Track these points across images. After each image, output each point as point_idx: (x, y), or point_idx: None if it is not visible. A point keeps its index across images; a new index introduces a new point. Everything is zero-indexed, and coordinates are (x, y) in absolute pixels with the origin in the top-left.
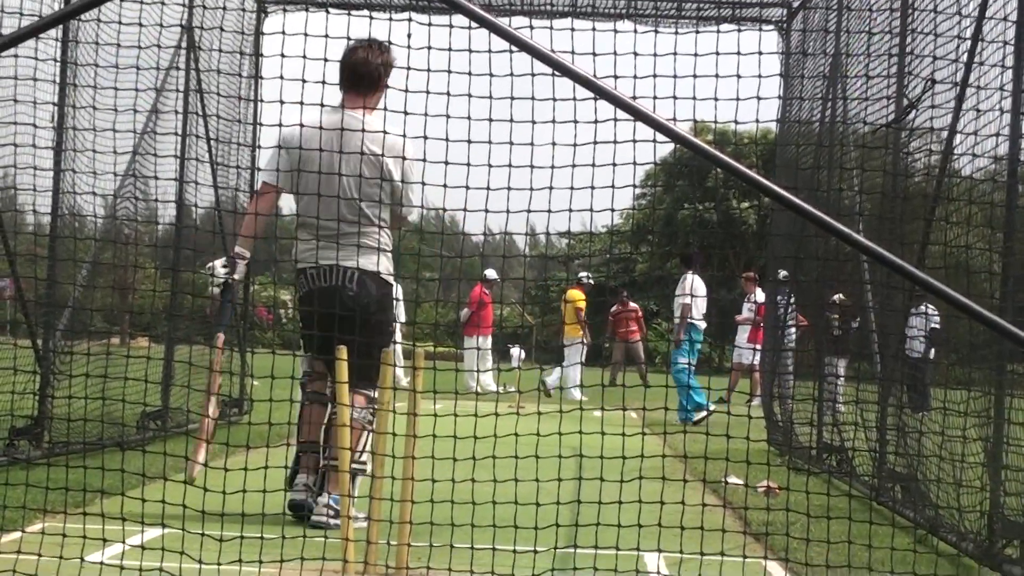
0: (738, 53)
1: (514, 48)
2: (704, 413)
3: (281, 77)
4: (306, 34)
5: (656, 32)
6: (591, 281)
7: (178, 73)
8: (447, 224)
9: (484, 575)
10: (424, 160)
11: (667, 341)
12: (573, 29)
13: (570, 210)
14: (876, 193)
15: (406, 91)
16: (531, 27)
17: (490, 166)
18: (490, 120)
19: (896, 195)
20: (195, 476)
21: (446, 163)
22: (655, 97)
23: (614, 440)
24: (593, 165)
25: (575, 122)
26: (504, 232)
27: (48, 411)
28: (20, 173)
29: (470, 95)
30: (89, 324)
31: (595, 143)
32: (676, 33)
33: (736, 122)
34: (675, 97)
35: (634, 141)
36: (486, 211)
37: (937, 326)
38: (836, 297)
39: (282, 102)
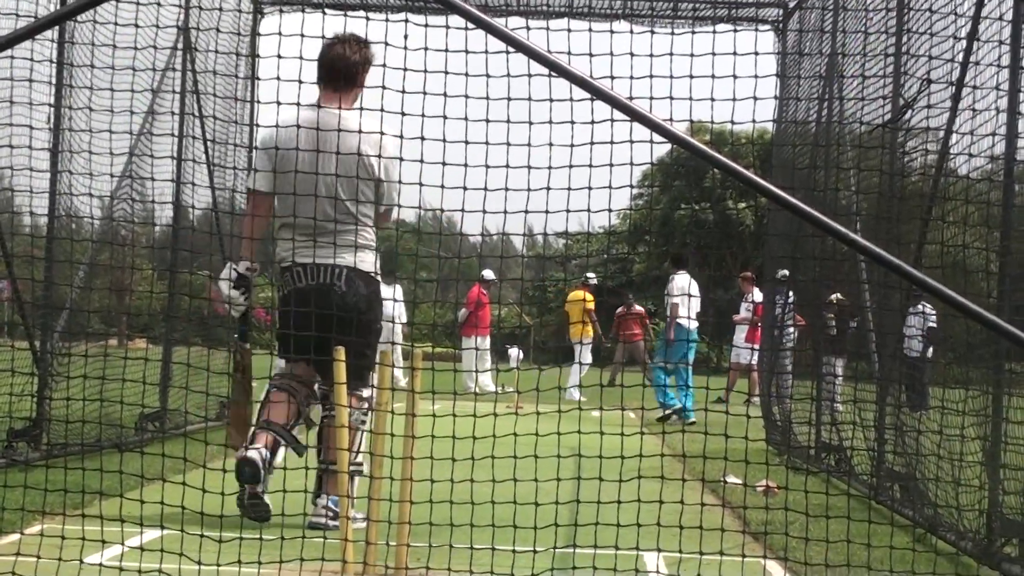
0: (734, 53)
1: (511, 49)
2: (667, 412)
3: (278, 78)
4: (302, 35)
5: (652, 32)
6: (595, 281)
7: (174, 74)
8: (444, 225)
9: (483, 575)
10: (421, 161)
11: (660, 340)
12: (569, 30)
13: (567, 210)
14: (873, 193)
15: (403, 92)
16: (527, 28)
17: (487, 167)
18: (487, 121)
19: (893, 195)
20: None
21: (443, 164)
22: (652, 98)
23: (613, 440)
24: (590, 166)
25: (572, 123)
26: (502, 233)
27: (46, 413)
28: (16, 175)
29: (467, 96)
30: (87, 326)
31: (592, 144)
32: (672, 33)
33: (732, 122)
34: (671, 97)
35: (631, 142)
36: (483, 212)
37: (934, 325)
38: (834, 296)
39: (279, 103)
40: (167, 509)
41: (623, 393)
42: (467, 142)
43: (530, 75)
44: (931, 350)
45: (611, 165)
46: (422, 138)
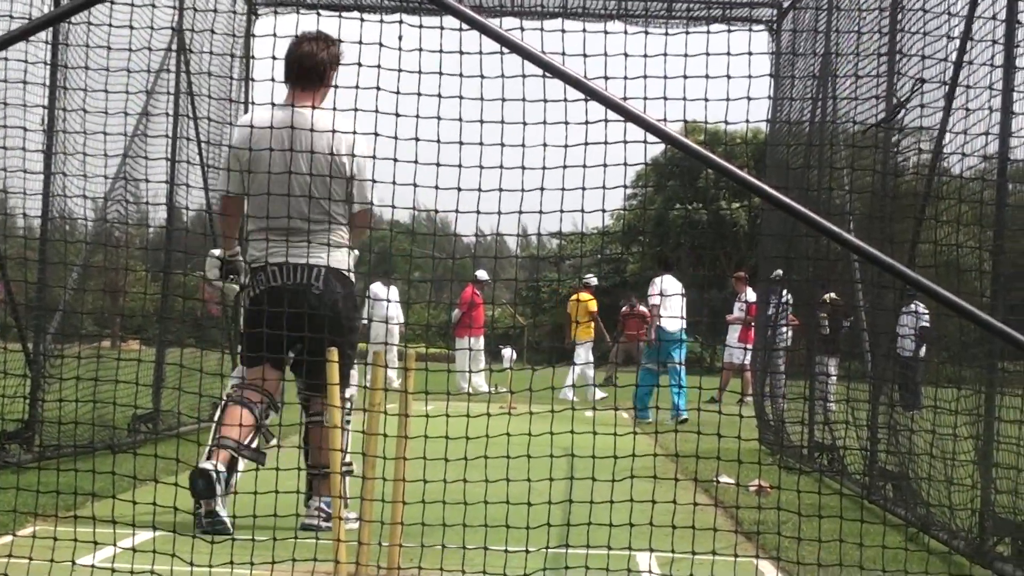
0: (728, 54)
1: (505, 49)
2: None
3: (272, 79)
4: (297, 36)
5: (646, 33)
6: (595, 282)
7: (168, 76)
8: (439, 225)
9: (476, 575)
10: (416, 162)
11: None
12: (564, 30)
13: (561, 211)
14: (866, 192)
15: (398, 93)
16: (522, 28)
17: (481, 167)
18: (481, 122)
19: (886, 194)
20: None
21: (438, 165)
22: (645, 98)
23: (605, 440)
24: (584, 166)
25: (566, 123)
26: (496, 233)
27: (39, 415)
28: (10, 176)
29: (461, 97)
30: (80, 327)
31: (586, 144)
32: (667, 34)
33: (726, 122)
34: (666, 98)
35: (625, 142)
36: (477, 212)
37: (927, 324)
38: (828, 296)
39: (273, 104)
40: (160, 510)
41: (616, 393)
42: (461, 143)
43: (524, 76)
44: (924, 349)
45: (605, 165)
46: (416, 139)
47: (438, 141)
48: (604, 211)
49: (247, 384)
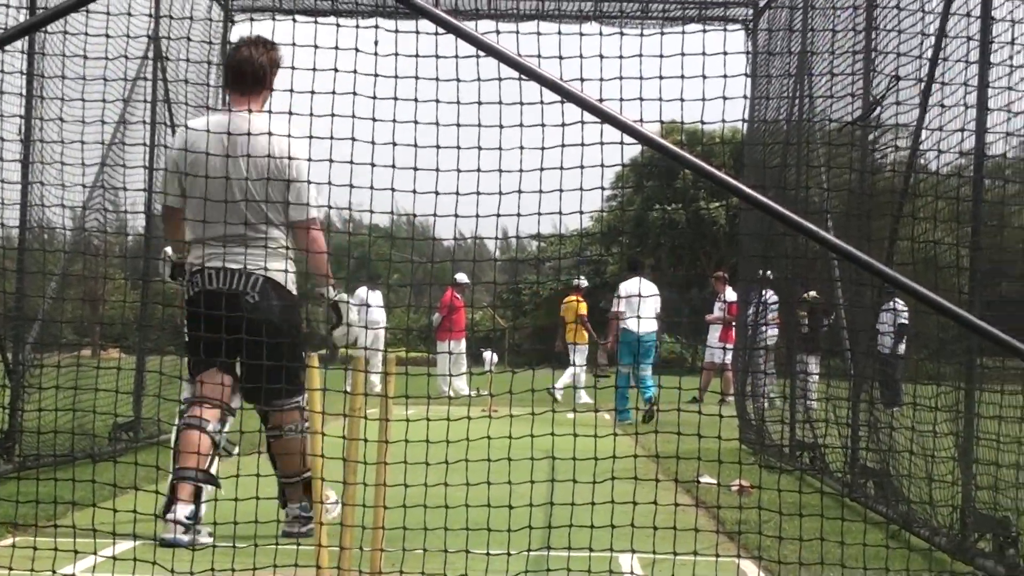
0: (703, 54)
1: (480, 53)
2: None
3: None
4: (273, 43)
5: (622, 34)
6: (586, 284)
7: (145, 84)
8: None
9: None
10: (393, 166)
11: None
12: (539, 33)
13: (539, 213)
14: (844, 190)
15: (374, 98)
16: (497, 32)
17: (459, 171)
18: (458, 125)
19: (864, 192)
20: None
21: (415, 169)
22: (622, 99)
23: (586, 441)
24: (561, 168)
25: (542, 125)
26: (475, 236)
27: (18, 424)
28: None
29: (438, 100)
30: (59, 336)
31: (563, 146)
32: (642, 35)
33: (703, 122)
34: (641, 99)
35: (601, 143)
36: (455, 216)
37: (905, 321)
38: (809, 294)
39: (250, 111)
40: (140, 519)
41: (596, 395)
42: (438, 147)
43: (500, 79)
44: (903, 346)
45: (582, 167)
46: (393, 143)
47: (415, 145)
48: (582, 213)
49: (197, 399)
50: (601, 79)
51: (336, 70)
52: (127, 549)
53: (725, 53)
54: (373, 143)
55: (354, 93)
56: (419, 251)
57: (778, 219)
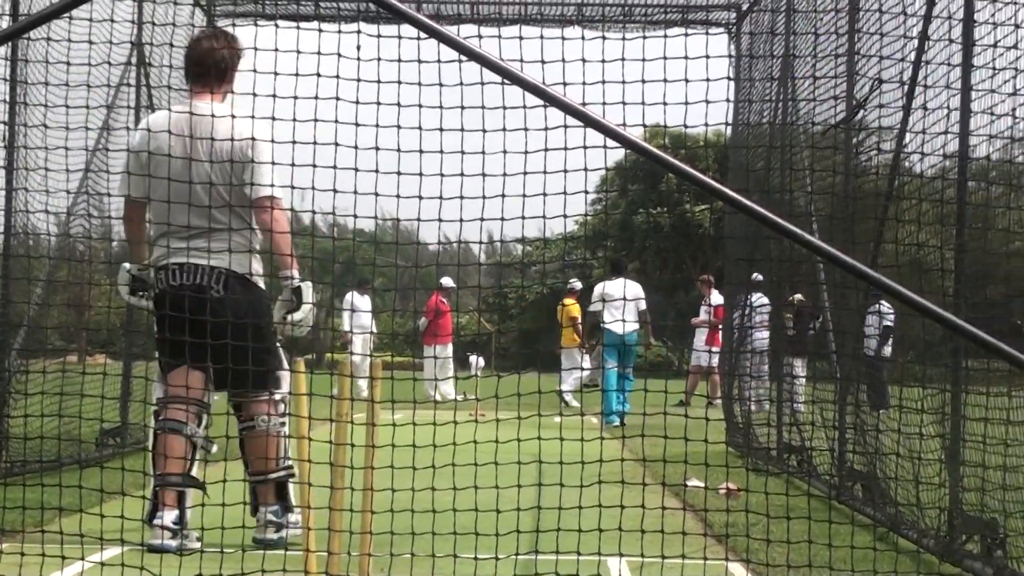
0: (686, 57)
1: (463, 57)
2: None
3: (232, 91)
4: (255, 48)
5: (604, 38)
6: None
7: (129, 90)
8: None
9: None
10: (376, 171)
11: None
12: (521, 37)
13: (523, 217)
14: (827, 193)
15: (357, 103)
16: (479, 36)
17: (442, 175)
18: (441, 130)
19: (848, 195)
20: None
21: (398, 173)
22: (604, 103)
23: (573, 445)
24: (544, 172)
25: (525, 130)
26: (459, 240)
27: (5, 430)
28: None
29: (420, 105)
30: (45, 342)
31: (546, 150)
32: (624, 38)
33: (686, 126)
34: (624, 103)
35: (584, 147)
36: (439, 220)
37: (891, 324)
38: (795, 298)
39: (233, 116)
40: (128, 524)
41: (583, 398)
42: (421, 151)
43: (483, 83)
44: (888, 348)
45: (565, 171)
46: (376, 148)
47: (398, 150)
48: (566, 216)
49: (169, 399)
50: (584, 83)
51: (319, 75)
52: (115, 555)
53: (708, 57)
54: (356, 148)
55: (337, 98)
56: (404, 255)
57: (763, 222)
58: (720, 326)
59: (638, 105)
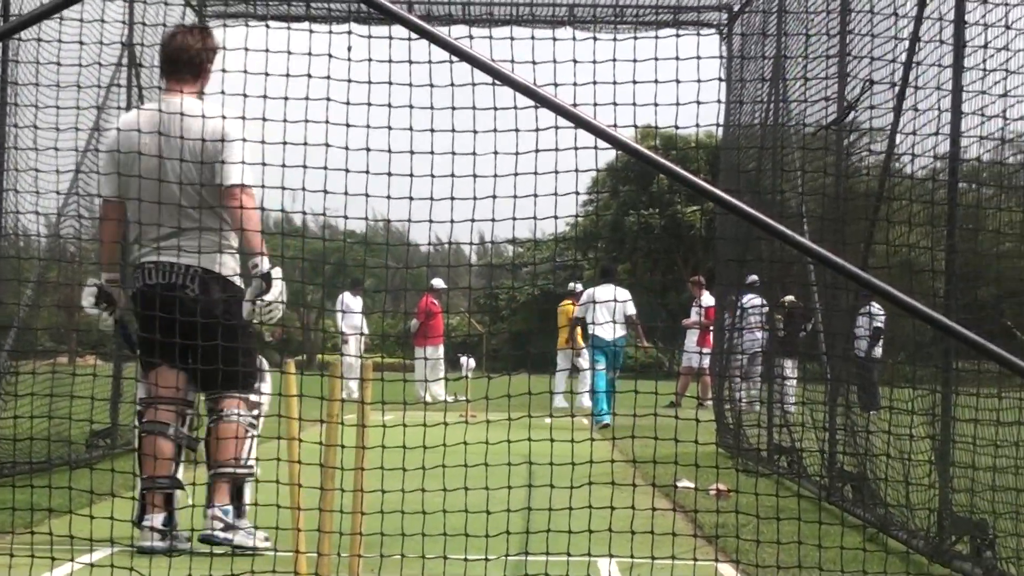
0: (677, 58)
1: (454, 58)
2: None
3: (222, 92)
4: (246, 48)
5: (595, 39)
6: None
7: (119, 91)
8: (395, 233)
9: None
10: (367, 172)
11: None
12: (512, 38)
13: (514, 218)
14: (819, 194)
15: (347, 104)
16: (471, 37)
17: (432, 176)
18: (431, 131)
19: (839, 196)
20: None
21: (389, 174)
22: (595, 104)
23: (563, 447)
24: (535, 173)
25: (516, 130)
26: (450, 242)
27: None
28: None
29: (411, 106)
30: (36, 343)
31: (536, 151)
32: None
33: (676, 127)
34: (615, 103)
35: (575, 148)
36: (430, 221)
37: (881, 325)
38: (787, 299)
39: (224, 117)
40: (118, 525)
41: (572, 399)
42: (412, 152)
43: (474, 84)
44: (878, 350)
45: (556, 172)
46: (367, 149)
47: (389, 151)
48: (557, 217)
49: (152, 400)
50: (575, 84)
51: (309, 76)
52: (104, 556)
53: (699, 58)
54: (347, 149)
55: (327, 99)
56: (395, 256)
57: (754, 223)
58: (711, 327)
59: (629, 106)
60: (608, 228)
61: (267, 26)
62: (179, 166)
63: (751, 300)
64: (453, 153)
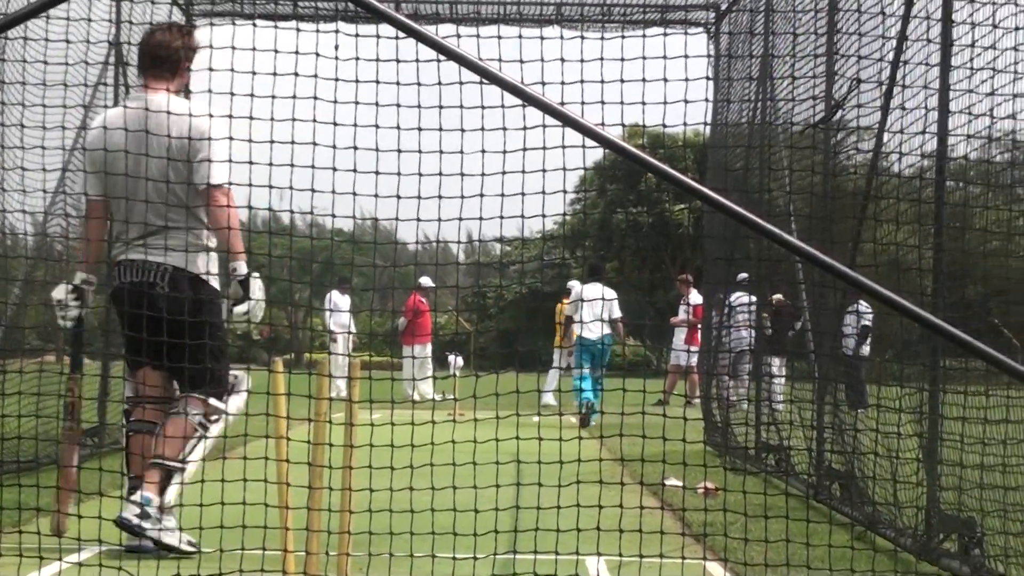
0: (664, 57)
1: (441, 57)
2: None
3: (210, 91)
4: (233, 47)
5: (583, 38)
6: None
7: (106, 89)
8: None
9: None
10: (355, 171)
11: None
12: (500, 36)
13: (501, 217)
14: (806, 193)
15: (335, 103)
16: (458, 35)
17: (420, 175)
18: (419, 129)
19: (827, 194)
20: (65, 529)
21: (376, 173)
22: (583, 102)
23: (551, 445)
24: (523, 171)
25: (504, 129)
26: (438, 240)
27: None
28: None
29: (399, 105)
30: (23, 342)
31: (524, 150)
32: (603, 38)
33: (664, 125)
34: (603, 102)
35: (563, 147)
36: (418, 220)
37: (869, 323)
38: (775, 298)
39: (211, 115)
40: (106, 524)
41: (561, 398)
42: (400, 151)
43: (461, 83)
44: (866, 348)
45: (544, 171)
46: (355, 147)
47: (376, 149)
48: (545, 216)
49: (139, 399)
50: (562, 82)
51: (297, 74)
52: (93, 555)
53: (687, 56)
54: (334, 147)
55: (315, 97)
56: (383, 255)
57: (741, 222)
58: (699, 325)
59: (617, 104)
60: (596, 226)
61: (254, 24)
62: (154, 164)
63: (739, 298)
64: (441, 152)
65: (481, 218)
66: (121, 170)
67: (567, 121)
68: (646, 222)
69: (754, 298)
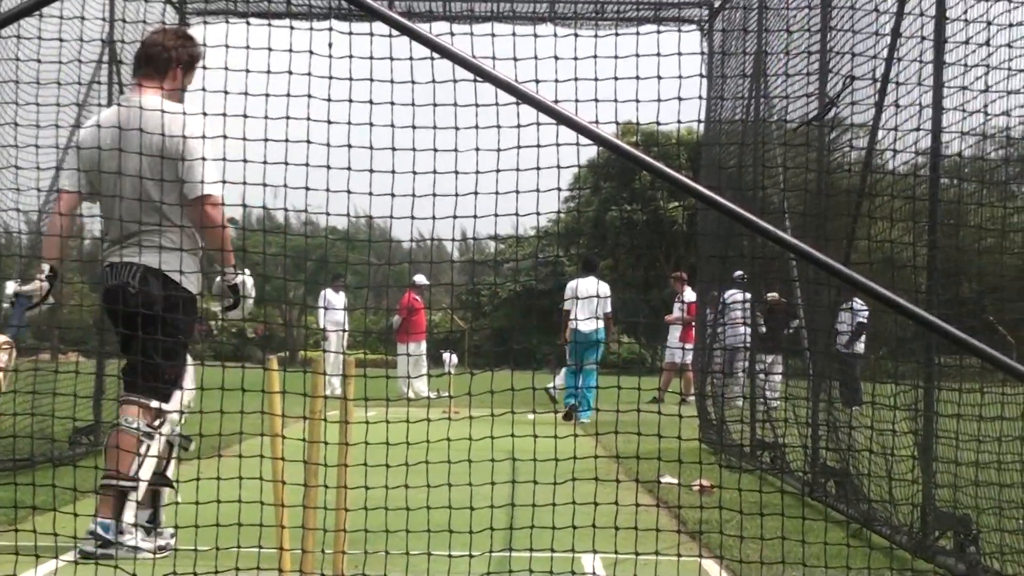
0: (658, 55)
1: (435, 55)
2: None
3: (203, 89)
4: (227, 45)
5: (576, 35)
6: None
7: (100, 87)
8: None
9: None
10: (349, 168)
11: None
12: (494, 34)
13: (496, 215)
14: (800, 190)
15: (329, 100)
16: (452, 33)
17: (414, 173)
18: (413, 127)
19: (821, 191)
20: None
21: (371, 171)
22: (577, 100)
23: (547, 442)
24: (517, 169)
25: (498, 127)
26: (433, 238)
27: None
28: None
29: (392, 103)
30: (19, 340)
31: (518, 148)
32: (596, 36)
33: (658, 123)
34: (596, 100)
35: (557, 145)
36: (412, 218)
37: (864, 320)
38: (770, 295)
39: (205, 114)
40: None
41: (557, 395)
42: (394, 148)
43: (455, 80)
44: (861, 345)
45: (538, 168)
46: (349, 146)
47: (370, 147)
48: (539, 214)
49: (129, 398)
50: (556, 80)
51: (290, 72)
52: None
53: (680, 54)
54: (328, 145)
55: (309, 95)
56: (377, 253)
57: (736, 219)
58: (693, 323)
59: (610, 102)
60: (590, 224)
61: (248, 23)
62: (132, 165)
63: (733, 296)
64: (435, 150)
65: (475, 216)
66: (104, 168)
67: (561, 119)
68: (640, 220)
69: (748, 295)
